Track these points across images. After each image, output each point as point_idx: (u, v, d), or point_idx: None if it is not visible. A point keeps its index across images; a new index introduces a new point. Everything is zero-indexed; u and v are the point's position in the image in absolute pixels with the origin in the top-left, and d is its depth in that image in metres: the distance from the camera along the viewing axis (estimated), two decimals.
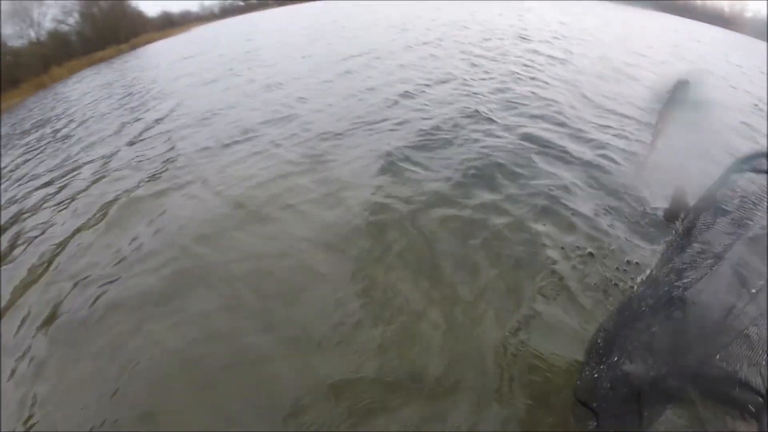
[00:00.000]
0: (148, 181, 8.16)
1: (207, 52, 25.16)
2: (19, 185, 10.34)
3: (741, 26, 44.89)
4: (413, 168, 6.90)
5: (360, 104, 10.33)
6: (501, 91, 10.49)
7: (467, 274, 4.61)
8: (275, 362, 3.87)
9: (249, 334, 4.20)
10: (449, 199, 5.95)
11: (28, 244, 7.00)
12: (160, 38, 41.86)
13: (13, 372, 4.43)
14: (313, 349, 3.93)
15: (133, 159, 9.65)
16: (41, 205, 8.63)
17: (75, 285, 5.54)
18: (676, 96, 5.58)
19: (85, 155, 11.08)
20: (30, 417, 3.86)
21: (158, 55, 31.49)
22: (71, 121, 15.99)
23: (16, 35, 36.44)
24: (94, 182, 8.87)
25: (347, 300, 4.42)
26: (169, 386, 3.86)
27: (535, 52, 15.28)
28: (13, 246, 7.14)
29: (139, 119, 13.31)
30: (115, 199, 7.71)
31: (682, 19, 46.38)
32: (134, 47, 38.84)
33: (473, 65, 13.23)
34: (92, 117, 15.50)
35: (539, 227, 5.33)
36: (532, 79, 11.65)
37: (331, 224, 5.71)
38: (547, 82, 11.39)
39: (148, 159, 9.47)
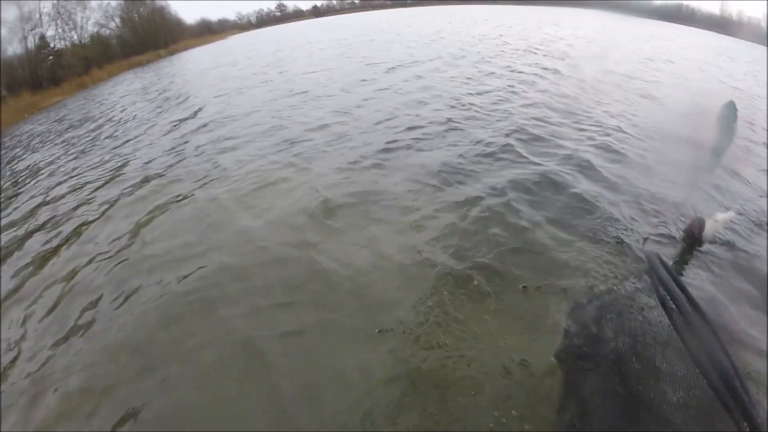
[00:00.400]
0: (189, 181, 8.30)
1: (242, 59, 25.61)
2: (56, 179, 10.59)
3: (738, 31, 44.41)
4: None
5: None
6: None
7: None
8: None
9: None
10: None
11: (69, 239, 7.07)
12: (197, 44, 42.85)
13: None
14: None
15: (168, 161, 9.79)
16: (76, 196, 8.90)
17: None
18: (725, 118, 5.48)
19: (120, 154, 11.35)
20: None
21: (195, 60, 32.14)
22: (109, 120, 16.43)
23: (59, 37, 38.05)
24: (130, 180, 9.05)
25: None
26: None
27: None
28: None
29: (175, 122, 13.57)
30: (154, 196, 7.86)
31: (674, 25, 45.63)
32: (173, 53, 39.80)
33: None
34: (129, 118, 15.84)
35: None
36: None
37: None
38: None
39: (184, 159, 9.64)
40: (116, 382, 3.85)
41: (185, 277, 5.17)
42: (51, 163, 12.32)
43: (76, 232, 7.16)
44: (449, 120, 9.53)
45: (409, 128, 9.23)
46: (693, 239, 4.70)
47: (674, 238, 4.93)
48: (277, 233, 5.77)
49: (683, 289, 2.41)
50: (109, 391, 3.77)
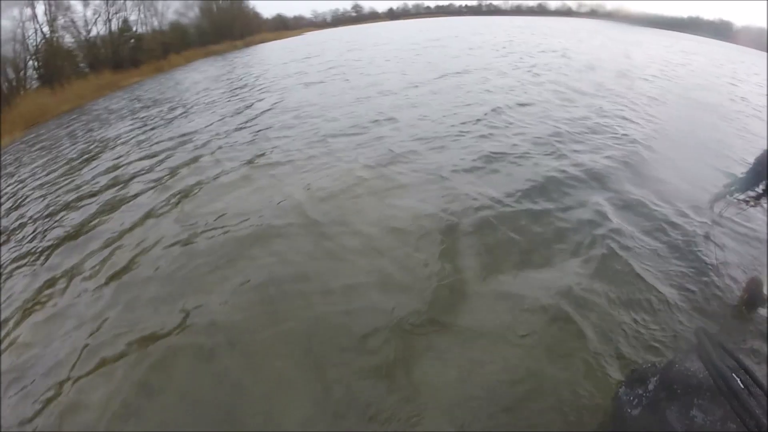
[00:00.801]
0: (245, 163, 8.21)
1: (315, 55, 25.38)
2: (129, 150, 11.11)
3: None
4: None
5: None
6: None
7: None
8: None
9: None
10: None
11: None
12: (272, 39, 43.30)
13: None
14: None
15: (234, 142, 9.71)
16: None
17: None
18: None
19: (189, 134, 11.39)
20: None
21: (270, 53, 32.35)
22: (182, 103, 16.70)
23: (140, 22, 39.50)
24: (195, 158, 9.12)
25: None
26: None
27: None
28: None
29: (244, 108, 13.41)
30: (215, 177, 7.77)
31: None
32: (248, 44, 40.35)
33: None
34: (202, 102, 15.92)
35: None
36: None
37: None
38: None
39: (248, 142, 9.56)
40: None
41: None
42: (123, 135, 13.03)
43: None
44: None
45: None
46: (752, 303, 3.69)
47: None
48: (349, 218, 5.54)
49: (747, 371, 2.02)
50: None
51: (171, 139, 11.18)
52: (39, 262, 5.99)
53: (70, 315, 4.58)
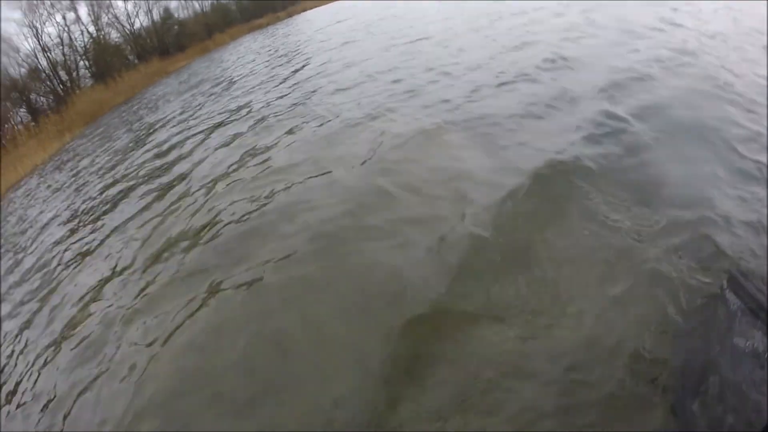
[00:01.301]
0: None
1: (356, 16, 23.97)
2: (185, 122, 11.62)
3: None
4: None
5: None
6: None
7: None
8: None
9: None
10: None
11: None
12: (315, 6, 41.84)
13: None
14: None
15: (290, 109, 8.91)
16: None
17: None
18: None
19: (241, 104, 11.06)
20: None
21: (312, 20, 31.18)
22: (228, 78, 16.60)
23: (181, 7, 39.92)
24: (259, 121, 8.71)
25: None
26: None
27: None
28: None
29: (290, 74, 12.66)
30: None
31: None
32: (291, 14, 39.17)
33: None
34: (249, 75, 15.40)
35: None
36: None
37: None
38: None
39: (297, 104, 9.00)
40: None
41: None
42: (178, 114, 13.40)
43: None
44: None
45: None
46: None
47: None
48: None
49: None
50: None
51: (224, 111, 10.99)
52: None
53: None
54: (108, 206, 7.85)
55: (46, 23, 31.43)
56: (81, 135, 19.25)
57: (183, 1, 40.42)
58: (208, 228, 5.06)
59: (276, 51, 19.45)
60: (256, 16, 38.99)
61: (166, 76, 25.61)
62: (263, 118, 8.64)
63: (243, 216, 4.95)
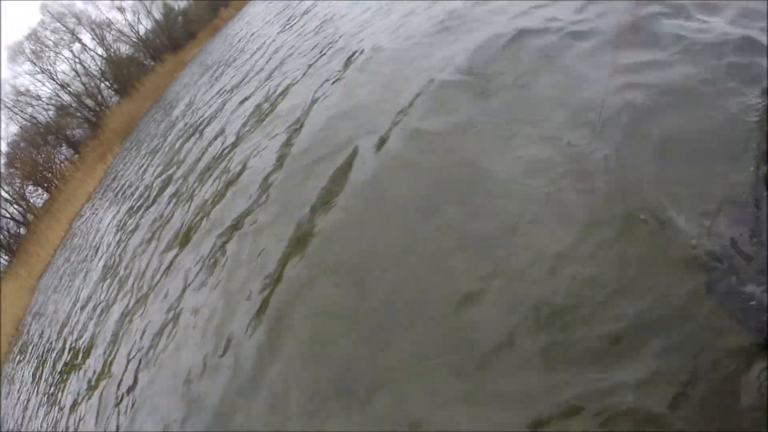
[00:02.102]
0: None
1: None
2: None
3: None
4: None
5: None
6: None
7: None
8: None
9: None
10: None
11: None
12: None
13: None
14: None
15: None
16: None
17: None
18: None
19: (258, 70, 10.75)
20: None
21: None
22: (242, 50, 16.39)
23: None
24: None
25: None
26: None
27: None
28: None
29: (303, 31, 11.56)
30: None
31: None
32: None
33: None
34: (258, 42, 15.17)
35: None
36: None
37: None
38: None
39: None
40: None
41: None
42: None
43: None
44: None
45: None
46: None
47: None
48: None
49: None
50: None
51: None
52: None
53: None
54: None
55: (56, 62, 31.93)
56: (122, 150, 19.27)
57: None
58: None
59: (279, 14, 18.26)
60: None
61: (184, 68, 25.16)
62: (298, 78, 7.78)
63: None
